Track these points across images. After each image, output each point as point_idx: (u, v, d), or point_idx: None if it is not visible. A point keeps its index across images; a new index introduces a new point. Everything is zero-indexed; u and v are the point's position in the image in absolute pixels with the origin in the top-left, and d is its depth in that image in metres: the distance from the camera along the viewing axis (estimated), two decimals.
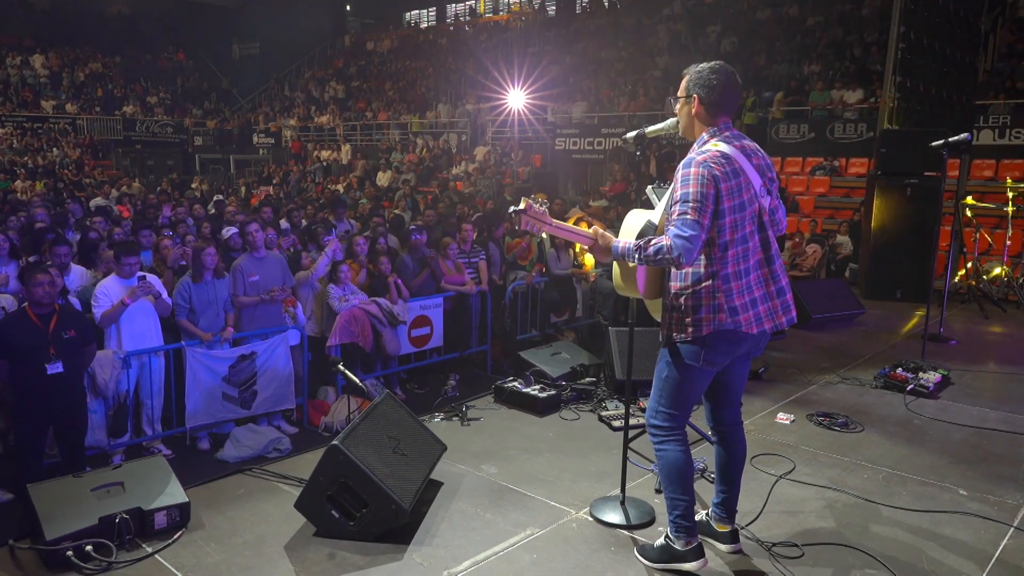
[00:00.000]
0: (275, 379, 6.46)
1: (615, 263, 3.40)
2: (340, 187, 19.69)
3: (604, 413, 5.51)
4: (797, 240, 13.00)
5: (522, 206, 3.11)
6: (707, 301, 3.12)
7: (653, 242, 3.00)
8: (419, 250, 8.00)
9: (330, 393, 6.94)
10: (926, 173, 8.94)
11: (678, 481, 3.34)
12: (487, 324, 7.81)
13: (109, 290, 5.66)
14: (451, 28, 28.75)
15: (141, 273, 5.73)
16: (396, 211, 13.91)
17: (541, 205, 3.15)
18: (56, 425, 4.91)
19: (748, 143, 3.22)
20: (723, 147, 3.11)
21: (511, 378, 5.88)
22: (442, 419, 5.64)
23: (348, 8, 31.61)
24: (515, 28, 25.24)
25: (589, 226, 3.45)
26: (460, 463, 4.75)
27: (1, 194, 14.87)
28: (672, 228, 2.99)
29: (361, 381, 4.63)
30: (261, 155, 25.63)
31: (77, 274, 6.40)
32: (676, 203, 3.03)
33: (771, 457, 4.77)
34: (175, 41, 30.51)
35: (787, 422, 5.37)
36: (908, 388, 5.92)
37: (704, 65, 3.22)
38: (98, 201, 13.49)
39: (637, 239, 3.13)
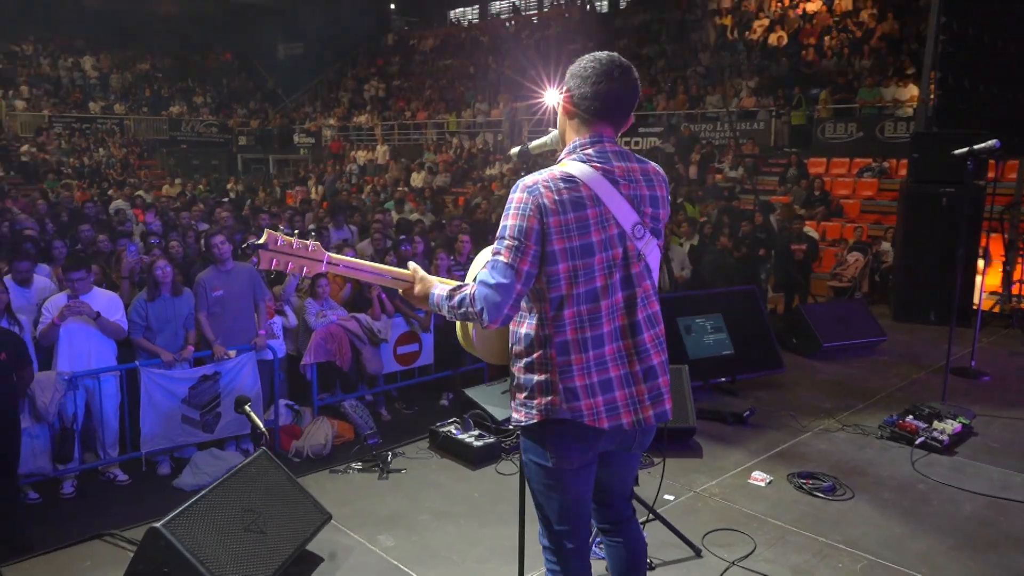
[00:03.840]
0: None
1: None
2: (373, 187, 19.43)
3: None
4: (841, 247, 12.17)
5: (262, 240, 2.34)
6: (539, 376, 2.35)
7: (461, 290, 2.35)
8: (409, 261, 7.56)
9: (305, 415, 6.57)
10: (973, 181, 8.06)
11: None
12: None
13: (52, 307, 5.39)
14: (492, 25, 28.28)
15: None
16: (415, 215, 13.52)
17: (308, 238, 2.40)
18: None
19: (627, 166, 2.40)
20: (572, 167, 2.34)
21: (451, 420, 5.32)
22: (360, 470, 5.03)
23: (392, 7, 31.45)
24: (557, 24, 24.63)
25: None
26: (355, 530, 4.13)
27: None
28: (481, 272, 2.32)
29: (264, 428, 4.16)
30: (302, 155, 25.66)
31: (38, 290, 6.14)
32: (497, 239, 2.34)
33: (728, 534, 4.01)
34: (223, 41, 30.83)
35: (762, 483, 4.57)
36: (917, 441, 5.05)
37: (587, 55, 2.42)
38: (118, 204, 13.44)
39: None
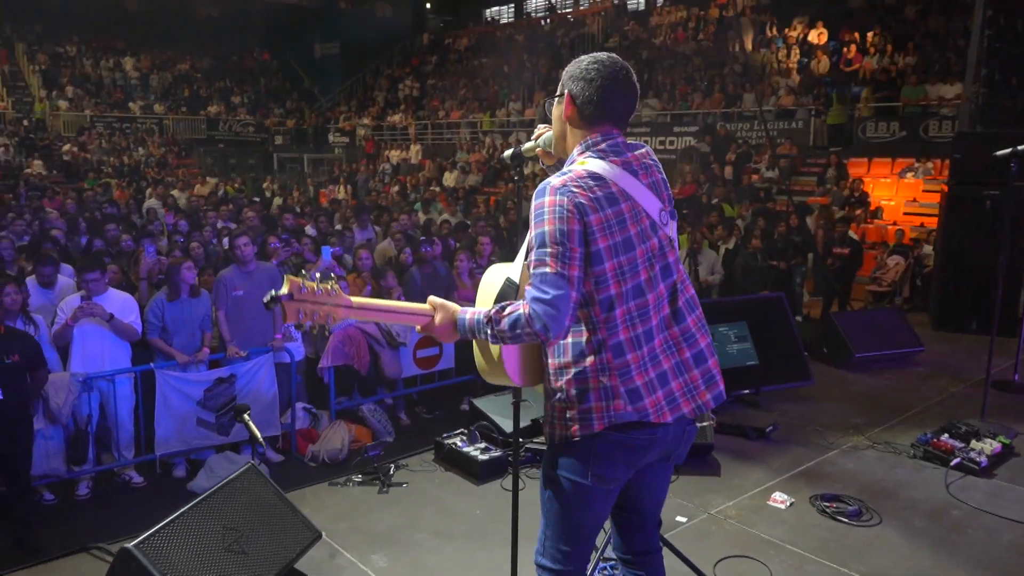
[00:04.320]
0: (257, 403, 6.06)
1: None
2: (406, 186, 19.42)
3: None
4: (881, 250, 11.77)
5: (285, 290, 2.13)
6: (595, 383, 2.22)
7: (507, 311, 2.16)
8: (430, 264, 7.46)
9: (322, 419, 6.50)
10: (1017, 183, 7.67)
11: None
12: None
13: (67, 308, 5.39)
14: (527, 24, 28.09)
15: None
16: (445, 215, 13.41)
17: (327, 282, 2.20)
18: None
19: (638, 154, 2.34)
20: (593, 164, 2.25)
21: (458, 431, 5.13)
22: (360, 482, 4.85)
23: (428, 6, 31.43)
24: (592, 22, 24.38)
25: None
26: (349, 549, 3.93)
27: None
28: (529, 289, 2.15)
29: (262, 439, 4.05)
30: (336, 154, 25.77)
31: (60, 289, 6.15)
32: (532, 250, 2.19)
33: (742, 562, 3.72)
34: (260, 42, 31.12)
35: (782, 506, 4.27)
36: (953, 462, 4.71)
37: (585, 56, 2.35)
38: (151, 203, 13.55)
39: (493, 306, 2.25)
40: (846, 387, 6.46)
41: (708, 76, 18.81)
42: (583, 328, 2.24)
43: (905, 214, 13.45)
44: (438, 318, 2.31)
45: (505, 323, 2.15)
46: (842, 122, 15.48)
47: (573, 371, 2.25)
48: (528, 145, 2.68)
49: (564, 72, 2.38)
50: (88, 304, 5.21)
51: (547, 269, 2.12)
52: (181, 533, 3.00)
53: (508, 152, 2.80)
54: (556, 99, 2.40)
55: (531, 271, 2.17)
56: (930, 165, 14.02)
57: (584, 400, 2.23)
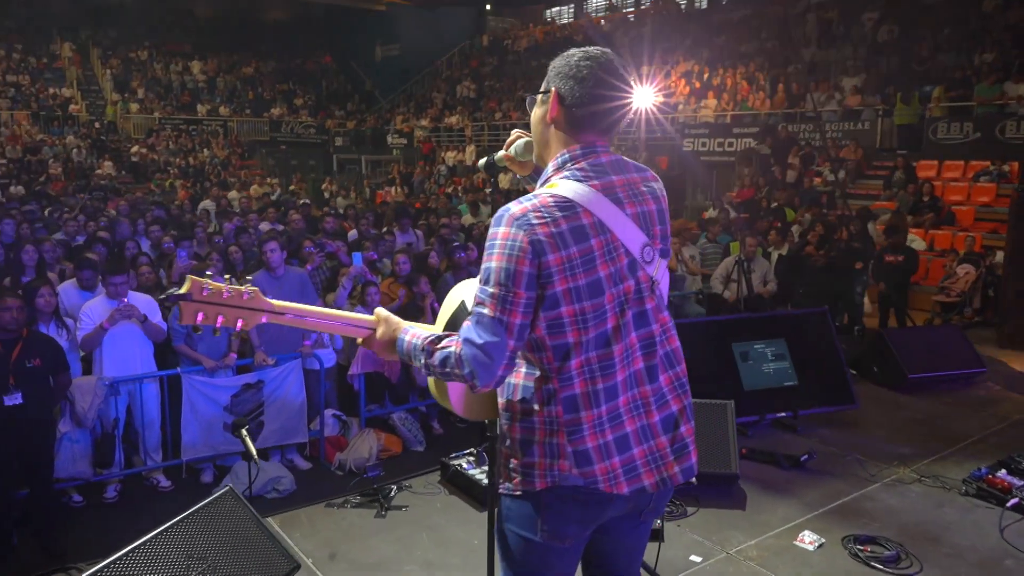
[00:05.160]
0: (285, 410, 6.04)
1: None
2: (458, 189, 19.40)
3: None
4: (951, 258, 11.12)
5: (184, 289, 1.99)
6: (541, 436, 1.96)
7: (442, 344, 1.95)
8: (465, 269, 7.32)
9: (352, 427, 6.42)
10: None
11: None
12: None
13: (93, 311, 5.40)
14: (586, 24, 27.75)
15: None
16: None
17: (241, 285, 2.04)
18: (18, 459, 4.65)
19: (627, 179, 2.03)
20: (565, 188, 1.94)
21: (467, 451, 4.90)
22: (358, 504, 4.62)
23: (488, 7, 31.37)
24: (653, 22, 23.91)
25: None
26: None
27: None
28: (465, 326, 1.92)
29: (256, 455, 3.93)
30: (394, 155, 25.94)
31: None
32: (480, 283, 1.95)
33: None
34: (323, 45, 31.63)
35: (811, 547, 3.86)
36: (1010, 503, 4.22)
37: (576, 50, 2.05)
38: (206, 204, 13.80)
39: (431, 334, 2.03)
40: (895, 412, 5.97)
41: (772, 75, 18.22)
42: (536, 373, 1.98)
43: (977, 220, 12.75)
44: (379, 332, 2.10)
45: (437, 358, 1.94)
46: (911, 122, 14.76)
47: (520, 419, 1.99)
48: (500, 154, 2.44)
49: (551, 67, 2.08)
50: (126, 306, 5.24)
51: (485, 311, 1.88)
52: (141, 563, 2.84)
53: (482, 161, 2.58)
54: (540, 96, 2.09)
55: (472, 307, 1.93)
56: (1006, 168, 13.26)
57: (528, 452, 1.97)
